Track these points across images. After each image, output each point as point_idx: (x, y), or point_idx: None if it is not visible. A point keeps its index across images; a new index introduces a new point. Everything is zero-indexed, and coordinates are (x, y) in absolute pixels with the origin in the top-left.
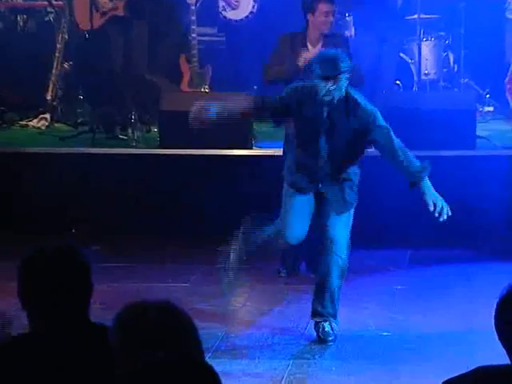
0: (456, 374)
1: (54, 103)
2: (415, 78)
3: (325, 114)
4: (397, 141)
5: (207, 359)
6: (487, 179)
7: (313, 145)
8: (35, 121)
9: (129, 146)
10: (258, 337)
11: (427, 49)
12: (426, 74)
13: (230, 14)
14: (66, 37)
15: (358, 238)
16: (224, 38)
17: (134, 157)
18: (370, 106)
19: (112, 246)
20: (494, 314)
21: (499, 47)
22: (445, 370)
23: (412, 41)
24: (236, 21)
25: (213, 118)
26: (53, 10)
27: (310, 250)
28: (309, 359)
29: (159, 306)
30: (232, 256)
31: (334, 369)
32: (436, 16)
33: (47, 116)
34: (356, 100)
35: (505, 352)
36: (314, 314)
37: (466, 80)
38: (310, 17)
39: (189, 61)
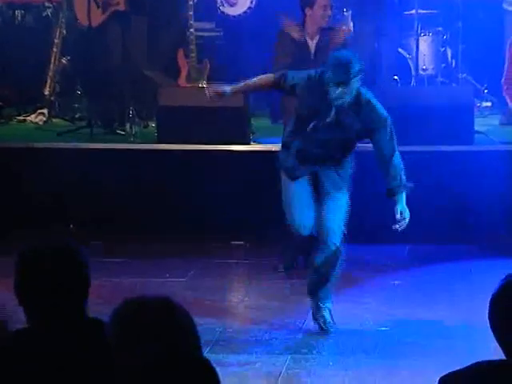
0: (454, 369)
1: (52, 98)
2: (413, 73)
3: (332, 113)
4: (396, 154)
5: (205, 354)
6: (485, 174)
7: (312, 133)
8: (33, 116)
9: (127, 141)
10: (255, 332)
11: (425, 44)
12: (423, 69)
13: (228, 9)
14: (64, 32)
15: (357, 234)
16: (222, 33)
17: (131, 152)
18: (384, 112)
19: (110, 240)
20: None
21: (497, 42)
22: (443, 364)
23: (410, 36)
24: (234, 16)
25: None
26: (51, 5)
27: (308, 245)
28: (306, 354)
29: (157, 302)
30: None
31: (331, 363)
32: (434, 11)
33: (45, 111)
34: (370, 101)
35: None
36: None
37: (464, 75)
38: (308, 11)
39: (187, 56)
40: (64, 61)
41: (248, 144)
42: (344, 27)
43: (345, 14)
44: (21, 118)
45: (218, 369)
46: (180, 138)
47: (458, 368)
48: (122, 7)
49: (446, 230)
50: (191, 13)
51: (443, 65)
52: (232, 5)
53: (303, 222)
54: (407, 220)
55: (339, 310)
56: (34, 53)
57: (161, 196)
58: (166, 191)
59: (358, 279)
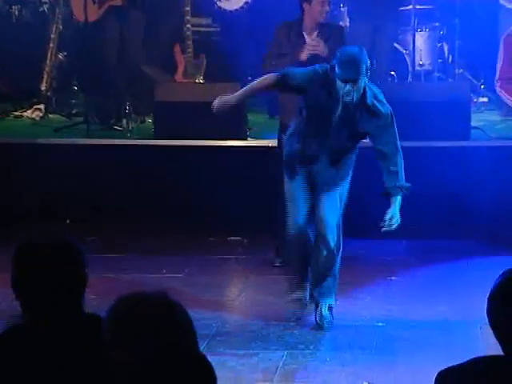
0: (451, 365)
1: (49, 94)
2: (410, 69)
3: (339, 109)
4: (398, 154)
5: (202, 349)
6: (482, 169)
7: (318, 128)
8: (29, 111)
9: (123, 137)
10: (252, 327)
11: (422, 39)
12: (420, 65)
13: (225, 5)
14: (61, 27)
15: (354, 229)
16: (219, 29)
17: (128, 148)
18: (388, 111)
19: (106, 236)
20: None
21: (494, 38)
22: (440, 360)
23: (406, 31)
24: (231, 11)
25: (234, 105)
26: (47, 1)
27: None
28: (303, 349)
29: (154, 297)
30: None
31: (328, 359)
32: (430, 6)
33: (41, 107)
34: (374, 103)
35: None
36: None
37: (461, 71)
38: (305, 6)
39: (183, 51)
40: (61, 56)
41: (245, 139)
42: (341, 23)
43: (341, 9)
44: (17, 113)
45: (214, 364)
46: (177, 133)
47: (455, 363)
48: (118, 2)
49: (442, 225)
50: (188, 8)
51: (440, 60)
52: (229, 0)
53: (298, 219)
54: (394, 226)
55: (336, 305)
56: (31, 48)
57: (158, 192)
58: (163, 187)
59: (354, 275)
